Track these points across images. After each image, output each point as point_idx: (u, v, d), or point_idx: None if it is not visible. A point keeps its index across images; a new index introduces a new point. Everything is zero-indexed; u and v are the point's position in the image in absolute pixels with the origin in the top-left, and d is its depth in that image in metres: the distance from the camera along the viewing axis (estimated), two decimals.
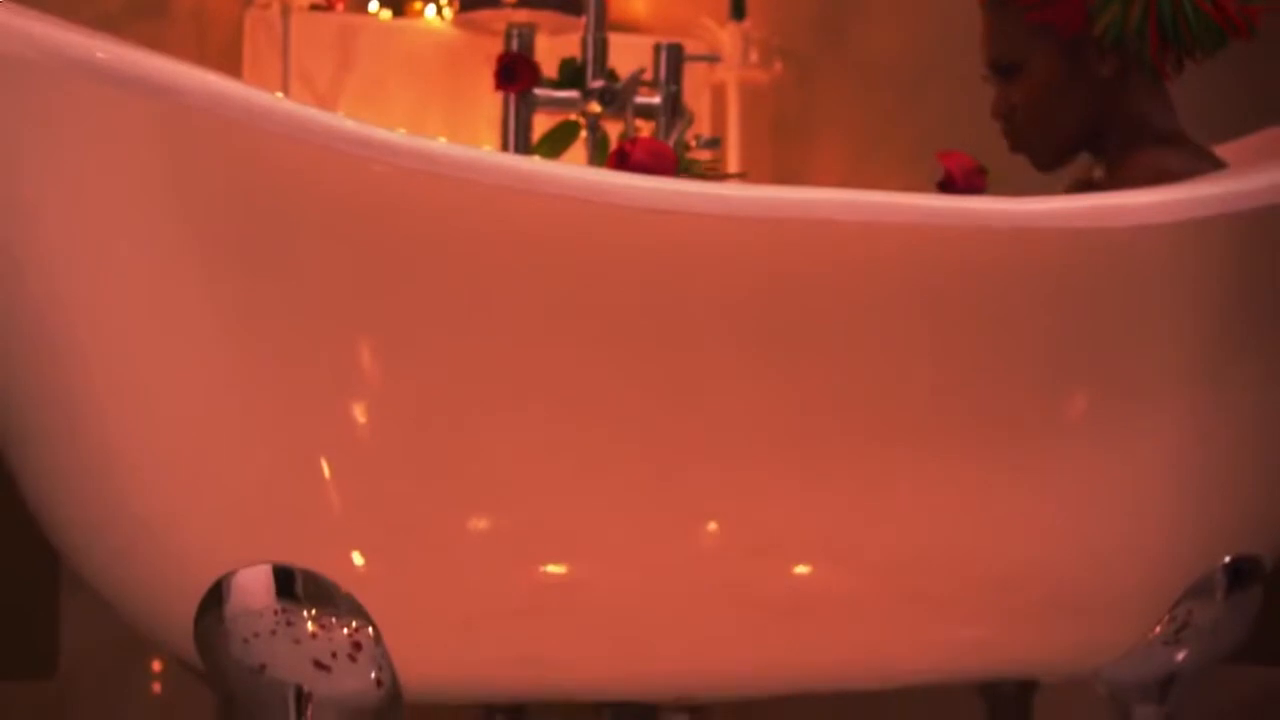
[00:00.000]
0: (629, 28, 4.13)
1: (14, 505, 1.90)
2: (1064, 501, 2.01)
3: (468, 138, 3.89)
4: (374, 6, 4.02)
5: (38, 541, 1.94)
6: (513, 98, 2.70)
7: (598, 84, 2.70)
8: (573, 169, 1.81)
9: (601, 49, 2.74)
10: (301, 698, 1.76)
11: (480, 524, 1.82)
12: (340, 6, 3.96)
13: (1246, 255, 2.02)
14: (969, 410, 1.97)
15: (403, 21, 4.02)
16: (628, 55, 3.06)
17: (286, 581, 1.75)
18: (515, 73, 2.67)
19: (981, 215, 1.92)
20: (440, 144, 1.78)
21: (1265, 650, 2.36)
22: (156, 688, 2.57)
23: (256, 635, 1.75)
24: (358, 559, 1.77)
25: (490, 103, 3.61)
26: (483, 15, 3.96)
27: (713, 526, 1.89)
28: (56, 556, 2.23)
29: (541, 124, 2.75)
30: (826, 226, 1.87)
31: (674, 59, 2.75)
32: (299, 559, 1.75)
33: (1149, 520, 2.04)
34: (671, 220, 1.81)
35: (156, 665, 2.55)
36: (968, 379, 1.96)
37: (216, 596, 1.75)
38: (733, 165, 4.04)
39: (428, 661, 1.81)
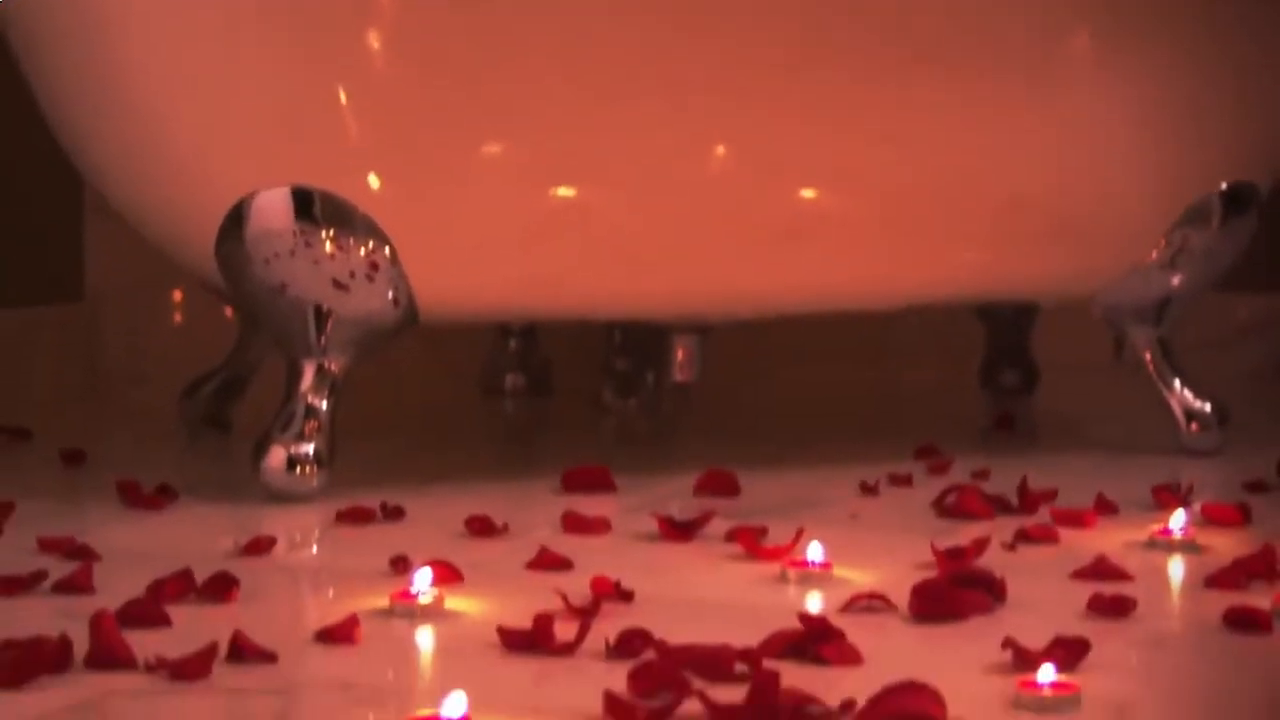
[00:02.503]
0: None
1: (38, 130, 1.94)
2: (1067, 127, 2.04)
3: None
4: None
5: (62, 167, 1.98)
6: None
7: None
8: None
9: None
10: (321, 316, 1.82)
11: (493, 148, 1.86)
12: None
13: None
14: (979, 37, 1.99)
15: None
16: None
17: (305, 203, 1.79)
18: None
19: None
20: None
21: (1258, 278, 2.41)
22: (178, 317, 2.63)
23: (276, 256, 1.79)
24: (374, 181, 1.81)
25: None
26: None
27: (721, 151, 1.92)
28: (80, 182, 2.27)
29: None
30: None
31: None
32: (317, 181, 1.79)
33: (1148, 146, 2.07)
34: None
35: (178, 295, 2.60)
36: (978, 4, 1.98)
37: (237, 219, 1.79)
38: None
39: (442, 282, 1.85)
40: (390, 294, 1.83)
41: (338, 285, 1.80)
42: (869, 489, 1.90)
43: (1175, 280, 2.10)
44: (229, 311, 2.40)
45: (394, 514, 1.76)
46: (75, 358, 2.46)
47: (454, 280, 1.86)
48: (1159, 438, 2.14)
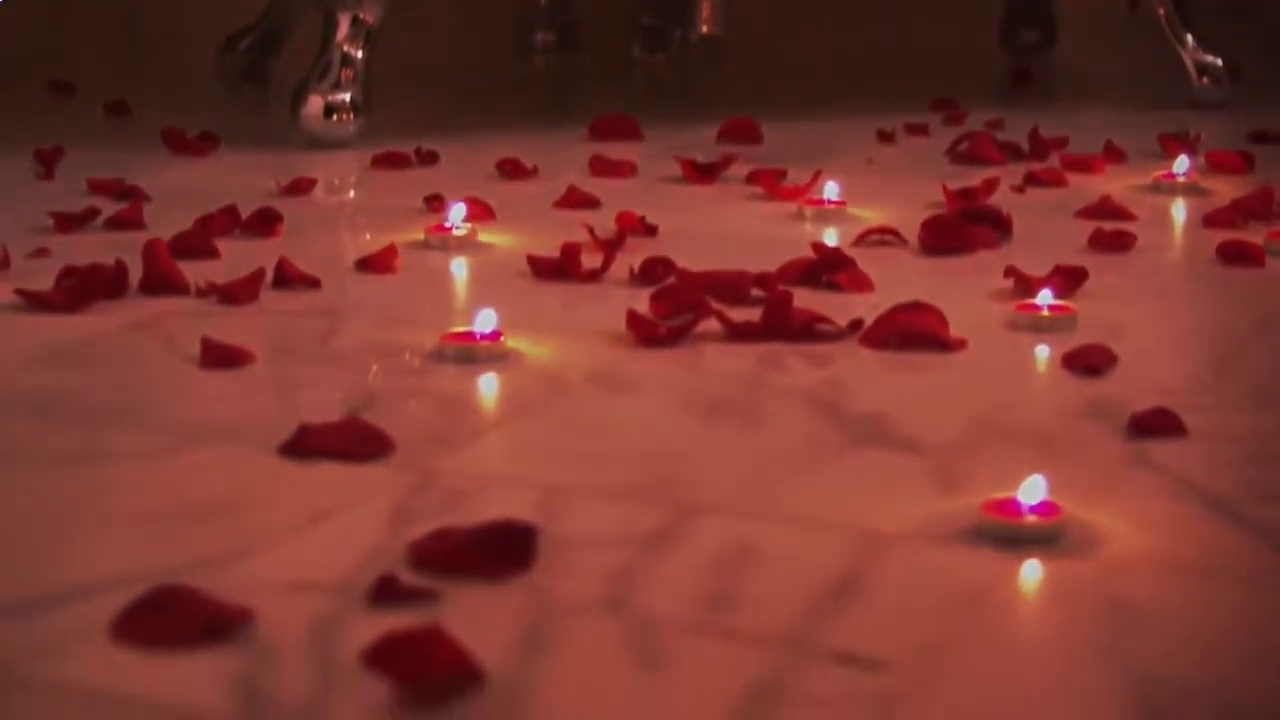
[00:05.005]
0: None
1: None
2: None
3: None
4: None
5: None
6: None
7: None
8: None
9: None
10: None
11: None
12: None
13: None
14: None
15: None
16: None
17: None
18: None
19: None
20: None
21: None
22: None
23: None
24: None
25: None
26: None
27: None
28: None
29: None
30: None
31: None
32: None
33: None
34: None
35: None
36: None
37: None
38: None
39: None
40: None
41: None
42: (886, 137, 1.96)
43: None
44: None
45: (428, 159, 1.83)
46: (114, 15, 2.50)
47: None
48: (1172, 92, 2.18)
